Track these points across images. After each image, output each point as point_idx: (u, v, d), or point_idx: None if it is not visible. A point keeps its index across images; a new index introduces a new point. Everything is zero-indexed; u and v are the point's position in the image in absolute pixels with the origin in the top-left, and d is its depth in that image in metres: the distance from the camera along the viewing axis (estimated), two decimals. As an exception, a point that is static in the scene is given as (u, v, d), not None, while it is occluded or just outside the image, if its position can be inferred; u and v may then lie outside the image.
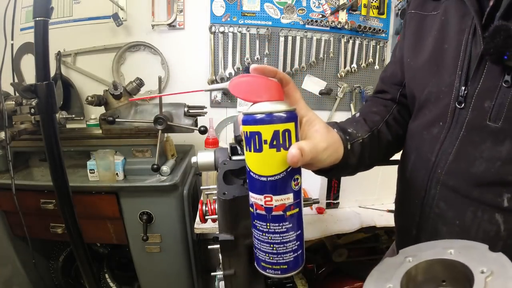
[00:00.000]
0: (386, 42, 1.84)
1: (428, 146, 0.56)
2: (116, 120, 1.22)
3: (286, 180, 0.35)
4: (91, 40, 1.68)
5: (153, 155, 1.31)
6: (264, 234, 0.36)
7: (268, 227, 0.36)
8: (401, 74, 0.66)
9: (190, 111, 1.33)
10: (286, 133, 0.34)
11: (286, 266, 0.37)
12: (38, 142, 1.31)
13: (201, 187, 0.75)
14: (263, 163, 0.34)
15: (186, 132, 1.32)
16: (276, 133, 0.33)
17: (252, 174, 0.35)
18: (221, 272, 0.53)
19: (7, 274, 1.41)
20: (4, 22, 1.07)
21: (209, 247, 0.69)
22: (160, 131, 1.25)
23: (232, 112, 1.83)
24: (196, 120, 1.37)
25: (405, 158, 0.64)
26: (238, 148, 0.58)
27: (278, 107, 0.34)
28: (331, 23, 1.73)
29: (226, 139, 1.86)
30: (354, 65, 1.81)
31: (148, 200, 1.27)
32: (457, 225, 0.52)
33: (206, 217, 0.64)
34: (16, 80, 1.51)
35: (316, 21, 1.73)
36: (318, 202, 0.70)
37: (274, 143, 0.33)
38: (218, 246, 0.51)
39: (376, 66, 1.85)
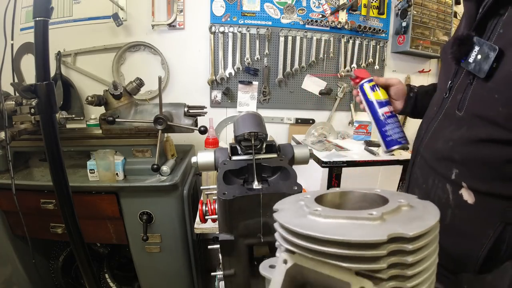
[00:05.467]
0: (386, 42, 1.84)
1: (424, 124, 0.71)
2: (116, 120, 1.22)
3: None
4: (91, 40, 1.69)
5: (153, 155, 1.31)
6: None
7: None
8: None
9: (190, 111, 1.33)
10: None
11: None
12: (38, 142, 1.31)
13: (201, 187, 0.74)
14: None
15: (186, 132, 1.32)
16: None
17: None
18: (221, 272, 0.53)
19: (7, 274, 1.41)
20: (4, 22, 1.06)
21: (209, 247, 0.69)
22: (160, 131, 1.25)
23: (232, 112, 1.83)
24: (196, 120, 1.37)
25: None
26: (238, 148, 0.58)
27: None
28: (331, 23, 1.74)
29: (226, 139, 1.86)
30: (354, 65, 1.82)
31: (148, 200, 1.27)
32: (423, 189, 0.68)
33: (206, 217, 0.65)
34: (16, 80, 1.51)
35: (316, 21, 1.73)
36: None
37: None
38: (218, 246, 0.51)
39: (376, 66, 1.85)
